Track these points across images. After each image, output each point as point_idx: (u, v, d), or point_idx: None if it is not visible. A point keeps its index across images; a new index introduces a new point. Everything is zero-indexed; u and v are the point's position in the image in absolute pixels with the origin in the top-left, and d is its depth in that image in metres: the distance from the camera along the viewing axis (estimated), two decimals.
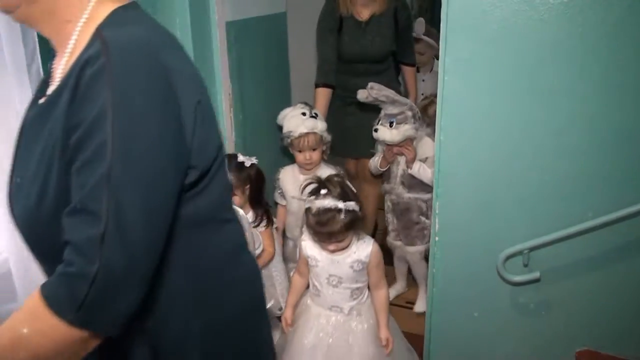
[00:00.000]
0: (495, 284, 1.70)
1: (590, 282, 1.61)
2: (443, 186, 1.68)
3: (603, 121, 1.46)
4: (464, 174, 1.64)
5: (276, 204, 2.45)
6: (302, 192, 1.83)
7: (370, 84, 2.10)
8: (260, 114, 2.57)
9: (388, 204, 2.46)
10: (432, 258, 1.78)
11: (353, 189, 1.78)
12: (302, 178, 2.23)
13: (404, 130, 2.17)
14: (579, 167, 1.51)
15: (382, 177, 2.42)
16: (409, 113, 2.17)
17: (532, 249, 1.58)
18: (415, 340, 2.07)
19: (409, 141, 2.22)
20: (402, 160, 2.30)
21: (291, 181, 2.32)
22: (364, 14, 2.51)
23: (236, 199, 1.95)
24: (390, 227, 2.51)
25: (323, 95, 2.55)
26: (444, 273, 1.78)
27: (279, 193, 2.41)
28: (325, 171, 2.21)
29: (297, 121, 2.16)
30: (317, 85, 2.57)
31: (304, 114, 2.17)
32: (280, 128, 2.31)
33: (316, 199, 1.69)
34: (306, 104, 2.32)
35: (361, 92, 2.15)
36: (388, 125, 2.17)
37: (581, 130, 1.48)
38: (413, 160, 2.25)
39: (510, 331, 1.75)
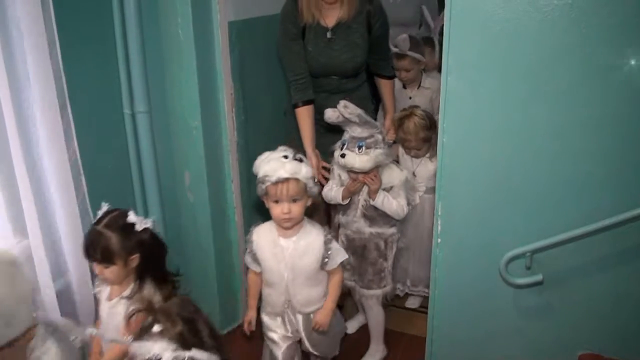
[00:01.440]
0: (498, 287, 1.69)
1: (594, 285, 1.60)
2: (445, 188, 1.68)
3: (606, 123, 1.45)
4: (467, 176, 1.64)
5: (246, 268, 1.92)
6: (127, 330, 1.24)
7: (343, 102, 1.82)
8: (262, 114, 2.56)
9: (342, 239, 2.11)
10: (434, 260, 1.78)
11: (216, 331, 1.18)
12: (281, 242, 1.76)
13: (375, 155, 1.89)
14: (582, 170, 1.51)
15: (336, 207, 2.04)
16: (379, 137, 1.92)
17: (535, 251, 1.57)
18: (417, 342, 2.07)
19: (375, 169, 1.96)
20: (364, 189, 2.03)
21: (268, 245, 1.78)
22: (329, 21, 2.17)
23: (112, 272, 1.51)
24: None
25: (306, 115, 2.17)
26: (446, 275, 1.77)
27: (251, 255, 1.83)
28: (311, 233, 1.76)
29: (275, 164, 1.67)
30: (295, 106, 2.19)
31: (285, 157, 1.70)
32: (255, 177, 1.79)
33: (142, 338, 1.09)
34: (289, 147, 1.81)
35: (329, 111, 1.85)
36: (356, 150, 1.90)
37: (585, 132, 1.47)
38: (377, 191, 1.98)
39: (513, 334, 1.75)
